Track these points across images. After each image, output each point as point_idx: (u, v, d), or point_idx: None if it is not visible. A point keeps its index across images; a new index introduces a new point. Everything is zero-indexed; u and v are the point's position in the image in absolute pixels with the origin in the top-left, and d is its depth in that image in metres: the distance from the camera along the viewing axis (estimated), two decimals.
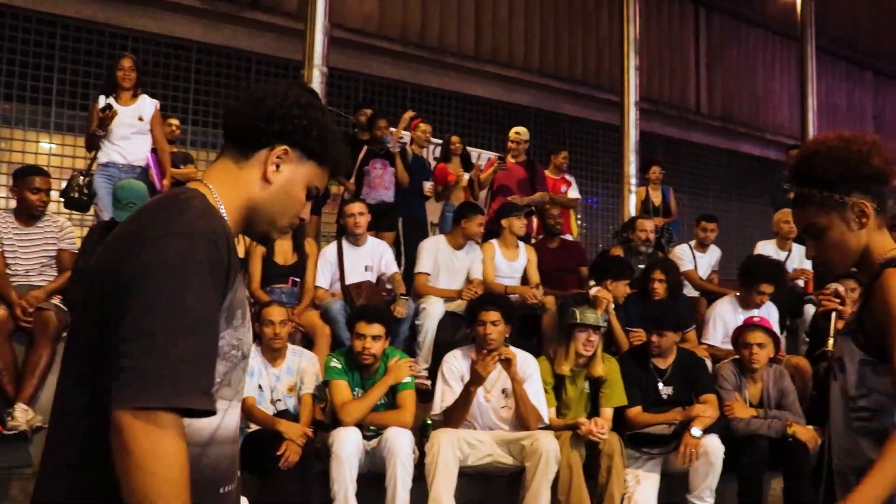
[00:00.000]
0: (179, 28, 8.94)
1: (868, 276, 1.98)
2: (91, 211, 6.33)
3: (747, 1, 15.10)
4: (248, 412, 4.31)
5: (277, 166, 1.56)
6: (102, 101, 5.95)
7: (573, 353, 4.85)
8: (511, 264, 6.35)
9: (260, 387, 4.51)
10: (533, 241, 7.24)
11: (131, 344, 1.29)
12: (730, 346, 5.50)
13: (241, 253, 5.54)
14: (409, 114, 7.74)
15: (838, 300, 2.80)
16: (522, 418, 4.62)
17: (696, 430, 4.66)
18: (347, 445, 4.16)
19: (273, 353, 4.60)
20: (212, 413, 1.35)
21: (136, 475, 1.26)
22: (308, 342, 5.29)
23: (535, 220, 7.41)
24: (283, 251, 5.60)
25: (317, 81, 6.72)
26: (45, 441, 1.52)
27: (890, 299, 1.85)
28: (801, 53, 11.09)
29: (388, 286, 5.78)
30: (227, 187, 1.55)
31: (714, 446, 4.65)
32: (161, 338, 1.29)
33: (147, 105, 6.13)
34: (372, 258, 5.87)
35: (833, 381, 2.04)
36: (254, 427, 4.40)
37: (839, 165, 1.94)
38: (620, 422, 4.94)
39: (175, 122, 7.39)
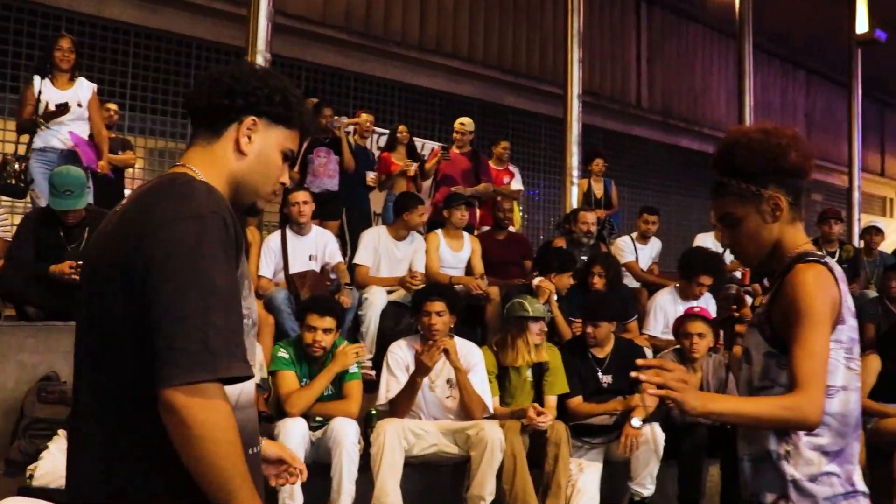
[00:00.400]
0: (115, 10, 8.68)
1: (779, 269, 2.03)
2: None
3: None
4: None
5: (249, 137, 1.64)
6: (38, 82, 5.76)
7: (532, 344, 4.89)
8: (455, 254, 6.38)
9: None
10: (476, 231, 7.27)
11: (168, 328, 1.39)
12: (670, 337, 5.62)
13: None
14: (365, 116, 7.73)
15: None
16: (467, 408, 4.64)
17: (636, 421, 4.73)
18: (293, 436, 4.13)
19: None
20: (251, 377, 1.49)
21: (200, 445, 1.37)
22: None
23: (478, 211, 7.45)
24: None
25: None
26: (68, 446, 1.60)
27: (794, 294, 1.90)
28: (739, 50, 11.34)
29: (333, 276, 5.75)
30: (208, 167, 1.63)
31: (655, 434, 4.74)
32: (197, 319, 1.39)
33: (84, 88, 5.96)
34: (316, 247, 5.83)
35: (740, 371, 2.11)
36: None
37: (758, 158, 1.98)
38: (563, 412, 5.01)
39: (113, 106, 7.20)
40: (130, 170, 7.68)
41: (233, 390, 1.50)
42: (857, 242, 9.72)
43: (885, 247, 8.44)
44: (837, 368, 1.92)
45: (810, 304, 1.88)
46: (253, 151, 1.65)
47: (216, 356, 1.39)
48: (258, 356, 4.65)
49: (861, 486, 1.95)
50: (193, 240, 1.43)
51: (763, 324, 2.00)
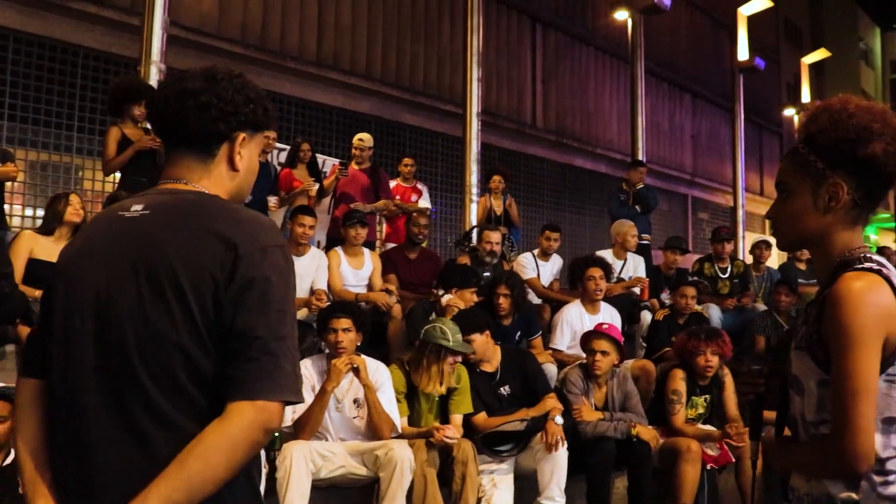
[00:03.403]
0: None
1: (823, 274, 1.74)
2: None
3: (580, 20, 15.83)
4: None
5: (241, 153, 1.70)
6: None
7: (446, 374, 4.79)
8: (356, 272, 6.29)
9: None
10: (380, 247, 7.19)
11: (273, 346, 1.48)
12: (576, 351, 5.70)
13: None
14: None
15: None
16: (375, 427, 4.56)
17: (558, 418, 4.77)
18: None
19: None
20: (301, 402, 1.55)
21: (246, 451, 1.46)
22: None
23: (385, 227, 7.38)
24: None
25: (154, 79, 6.43)
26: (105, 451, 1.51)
27: (834, 309, 1.59)
28: (632, 74, 11.75)
29: None
30: (213, 187, 1.67)
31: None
32: (290, 343, 1.51)
33: None
34: None
35: (792, 401, 1.79)
36: None
37: (839, 132, 1.66)
38: (471, 429, 4.98)
39: None
40: (10, 183, 7.26)
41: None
42: (744, 257, 10.14)
43: (769, 263, 8.83)
44: None
45: (850, 321, 1.55)
46: (244, 165, 1.72)
47: (299, 382, 1.51)
48: None
49: None
50: (286, 268, 1.55)
51: (814, 345, 1.65)
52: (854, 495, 1.60)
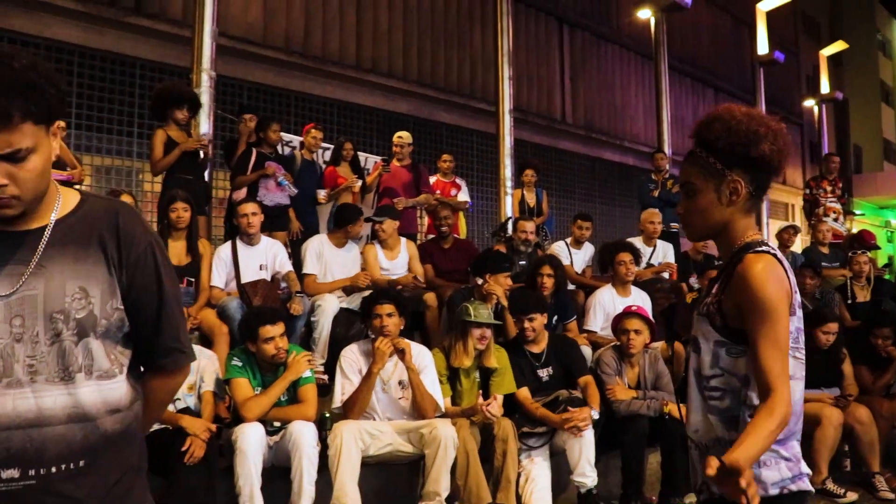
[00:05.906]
0: (57, 30, 8.36)
1: (726, 256, 1.94)
2: None
3: (605, 19, 15.67)
4: None
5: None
6: None
7: (471, 348, 4.83)
8: (393, 262, 6.28)
9: None
10: (420, 239, 7.18)
11: None
12: (608, 333, 5.63)
13: None
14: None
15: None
16: (420, 407, 4.56)
17: (594, 413, 4.76)
18: (251, 440, 3.98)
19: None
20: None
21: None
22: (206, 341, 5.05)
23: (427, 220, 7.37)
24: (177, 253, 5.33)
25: (205, 86, 6.52)
26: None
27: (749, 287, 1.80)
28: (656, 70, 11.60)
29: (283, 284, 5.60)
30: None
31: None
32: None
33: None
34: (266, 257, 5.68)
35: (688, 361, 2.00)
36: (155, 426, 4.15)
37: (732, 137, 1.86)
38: (510, 410, 4.95)
39: (61, 124, 6.87)
40: (77, 187, 7.38)
41: None
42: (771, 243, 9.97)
43: (793, 248, 8.68)
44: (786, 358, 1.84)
45: (767, 297, 1.78)
46: None
47: None
48: (214, 366, 4.49)
49: (805, 468, 1.88)
50: None
51: (713, 314, 1.89)
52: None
